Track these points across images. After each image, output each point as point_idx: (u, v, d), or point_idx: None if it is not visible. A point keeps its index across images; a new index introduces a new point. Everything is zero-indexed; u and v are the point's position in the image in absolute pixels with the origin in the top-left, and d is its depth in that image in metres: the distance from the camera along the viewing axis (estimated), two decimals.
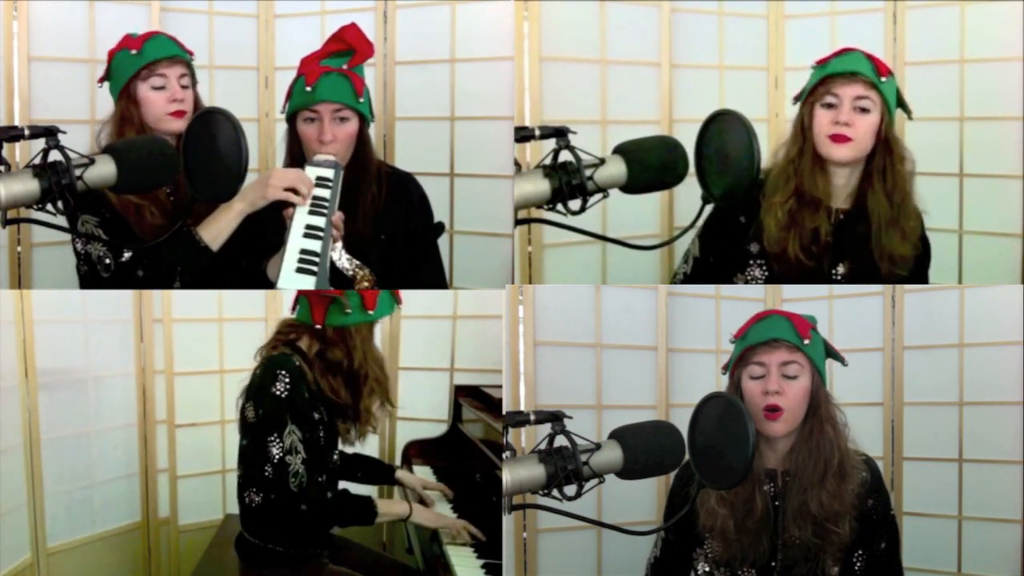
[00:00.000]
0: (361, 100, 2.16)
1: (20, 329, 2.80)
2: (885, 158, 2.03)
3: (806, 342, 1.82)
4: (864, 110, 2.00)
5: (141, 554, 3.23)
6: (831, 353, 1.90)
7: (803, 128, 2.04)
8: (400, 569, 2.44)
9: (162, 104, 2.18)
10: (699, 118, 1.55)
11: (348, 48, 2.22)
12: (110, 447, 3.13)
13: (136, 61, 2.18)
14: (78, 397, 3.04)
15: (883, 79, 2.00)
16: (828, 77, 2.01)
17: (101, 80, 2.25)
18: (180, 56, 2.21)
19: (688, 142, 1.56)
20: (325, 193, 2.08)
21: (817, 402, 1.84)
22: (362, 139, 2.21)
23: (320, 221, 2.06)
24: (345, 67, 2.19)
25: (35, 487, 2.84)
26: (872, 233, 2.04)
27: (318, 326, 2.11)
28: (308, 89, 2.14)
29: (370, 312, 2.11)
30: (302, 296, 2.14)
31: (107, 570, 3.12)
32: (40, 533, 2.87)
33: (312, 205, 2.07)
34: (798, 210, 2.05)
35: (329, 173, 2.10)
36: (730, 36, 3.16)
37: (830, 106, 2.01)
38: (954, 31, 2.95)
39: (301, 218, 2.06)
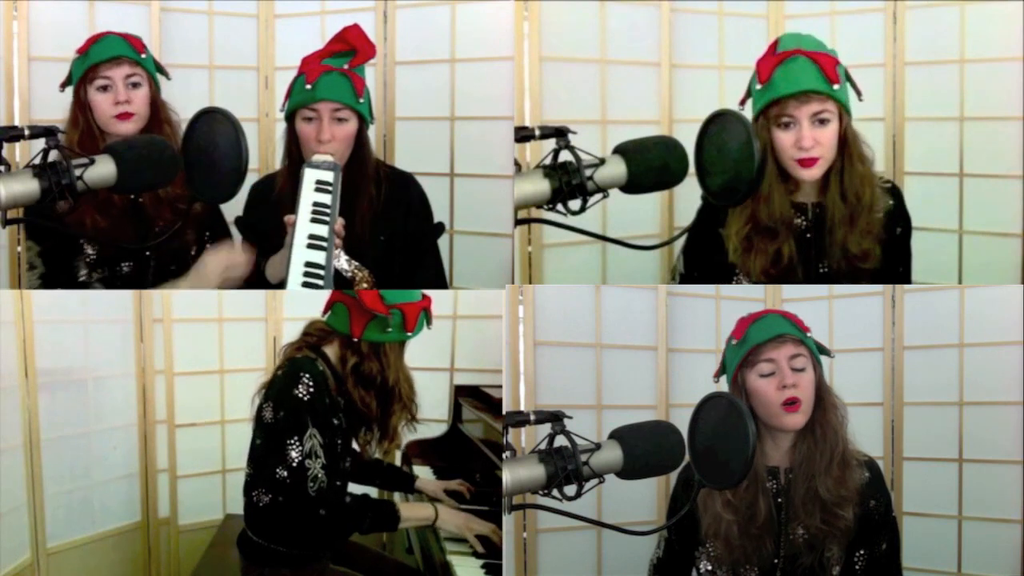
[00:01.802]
0: (361, 100, 2.15)
1: (20, 329, 2.80)
2: (842, 159, 1.98)
3: (808, 334, 1.86)
4: (823, 121, 1.92)
5: (141, 554, 3.23)
6: (821, 349, 1.92)
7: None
8: (400, 569, 2.44)
9: (107, 106, 2.17)
10: (699, 118, 1.55)
11: (350, 48, 2.22)
12: (110, 447, 3.13)
13: (81, 64, 2.18)
14: (78, 397, 3.04)
15: (835, 86, 1.90)
16: (779, 99, 1.92)
17: (63, 85, 2.23)
18: (126, 56, 2.18)
19: (688, 142, 1.55)
20: (326, 199, 2.05)
21: (821, 392, 1.86)
22: (361, 140, 2.21)
23: (323, 230, 2.03)
24: (346, 67, 2.18)
25: (35, 487, 2.84)
26: (826, 231, 2.03)
27: (355, 339, 2.08)
28: (308, 87, 2.13)
29: (408, 333, 2.10)
30: (339, 303, 2.09)
31: (107, 570, 3.12)
32: (40, 533, 2.87)
33: (313, 212, 2.04)
34: (757, 236, 2.03)
35: (329, 176, 2.07)
36: (730, 36, 3.16)
37: (787, 126, 1.94)
38: (954, 31, 2.95)
39: (303, 227, 2.03)
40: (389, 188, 2.28)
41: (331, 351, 2.11)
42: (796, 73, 1.91)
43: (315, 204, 2.05)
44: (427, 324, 2.18)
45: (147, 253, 2.27)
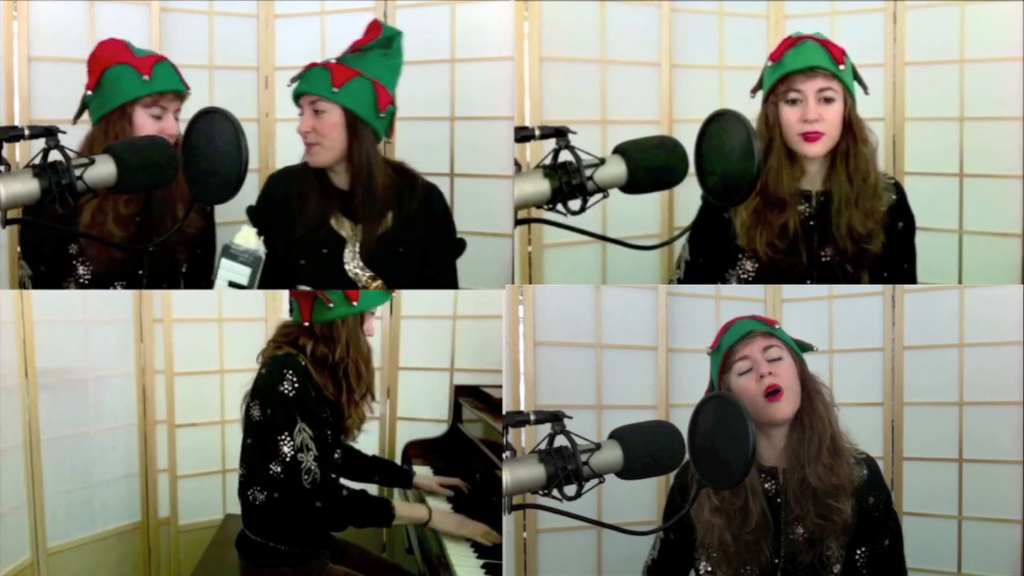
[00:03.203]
0: (336, 91, 2.14)
1: (20, 329, 2.80)
2: (848, 141, 2.07)
3: (776, 326, 1.90)
4: (828, 100, 2.03)
5: (141, 554, 3.23)
6: (802, 345, 1.95)
7: (768, 126, 2.07)
8: (400, 572, 2.44)
9: (154, 134, 2.15)
10: (699, 118, 1.55)
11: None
12: (110, 447, 3.13)
13: (145, 87, 2.15)
14: (78, 397, 3.04)
15: (840, 67, 2.03)
16: (787, 75, 2.04)
17: (91, 87, 2.20)
18: (182, 91, 2.21)
19: (688, 142, 1.56)
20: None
21: (805, 381, 1.88)
22: (351, 132, 2.18)
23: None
24: (333, 60, 2.19)
25: (35, 487, 2.84)
26: (833, 212, 2.09)
27: (306, 323, 2.12)
28: (291, 85, 2.18)
29: (353, 304, 2.12)
30: (292, 298, 2.16)
31: (107, 570, 3.12)
32: (40, 533, 2.87)
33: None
34: (763, 209, 2.09)
35: (243, 276, 2.01)
36: (730, 36, 3.16)
37: (794, 102, 2.04)
38: (954, 31, 2.95)
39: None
40: (418, 200, 2.27)
41: (303, 342, 2.14)
42: (804, 52, 2.04)
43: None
44: (387, 294, 2.22)
45: (140, 272, 2.27)
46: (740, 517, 1.85)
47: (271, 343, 2.18)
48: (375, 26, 2.23)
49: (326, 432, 2.10)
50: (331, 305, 2.10)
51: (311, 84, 2.16)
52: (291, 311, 2.18)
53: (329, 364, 2.12)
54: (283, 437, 2.01)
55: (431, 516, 2.25)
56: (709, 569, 1.93)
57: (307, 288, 2.20)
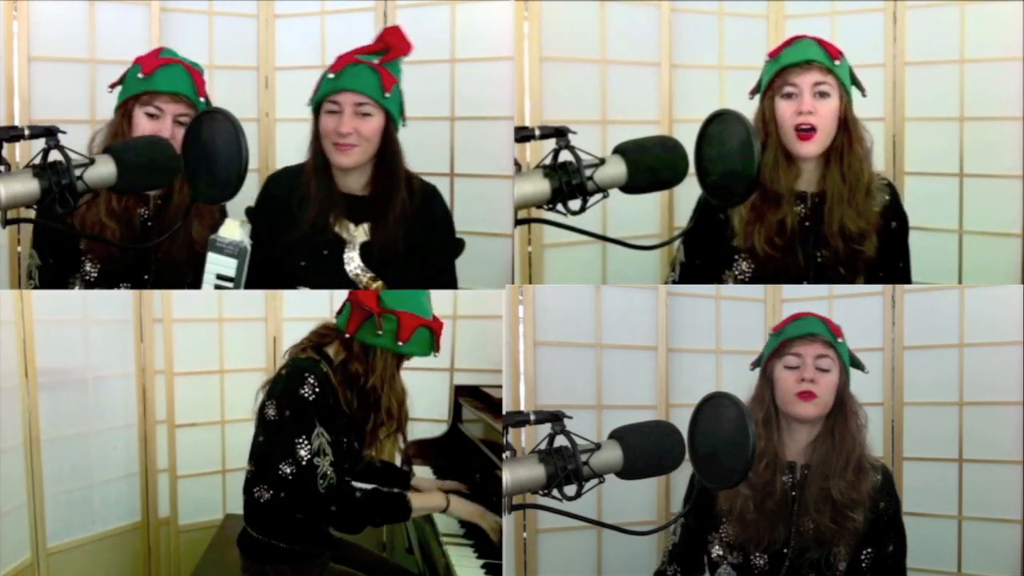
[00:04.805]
0: (387, 95, 2.09)
1: (20, 329, 2.80)
2: (843, 139, 2.08)
3: (839, 340, 1.95)
4: (824, 94, 2.04)
5: (141, 554, 3.23)
6: (855, 361, 1.99)
7: (764, 122, 2.08)
8: (400, 572, 2.44)
9: (149, 133, 2.14)
10: (699, 118, 1.55)
11: (385, 47, 2.16)
12: (110, 447, 3.13)
13: (140, 85, 2.15)
14: (78, 397, 3.04)
15: (836, 62, 2.04)
16: (784, 69, 2.04)
17: (113, 85, 2.21)
18: (185, 96, 2.16)
19: (688, 142, 1.56)
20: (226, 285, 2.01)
21: (843, 398, 1.94)
22: (387, 139, 2.14)
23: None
24: (377, 62, 2.12)
25: (35, 487, 2.84)
26: (826, 211, 2.10)
27: (347, 335, 2.09)
28: (332, 76, 2.09)
29: (400, 343, 2.09)
30: (348, 302, 2.11)
31: (107, 570, 3.12)
32: (40, 533, 2.87)
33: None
34: (761, 205, 2.10)
35: (230, 268, 2.01)
36: (730, 36, 3.16)
37: (790, 96, 2.04)
38: (954, 31, 2.95)
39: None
40: (418, 201, 2.24)
41: (331, 350, 2.13)
42: (800, 47, 2.06)
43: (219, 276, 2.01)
44: (432, 349, 2.17)
45: (145, 277, 2.27)
46: (765, 491, 1.91)
47: (301, 342, 2.16)
48: (402, 38, 2.17)
49: (342, 439, 2.10)
50: (380, 332, 2.07)
51: (362, 84, 2.08)
52: (339, 314, 2.14)
53: (359, 386, 2.10)
54: (300, 440, 2.00)
55: (449, 503, 2.24)
56: (720, 553, 1.96)
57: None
